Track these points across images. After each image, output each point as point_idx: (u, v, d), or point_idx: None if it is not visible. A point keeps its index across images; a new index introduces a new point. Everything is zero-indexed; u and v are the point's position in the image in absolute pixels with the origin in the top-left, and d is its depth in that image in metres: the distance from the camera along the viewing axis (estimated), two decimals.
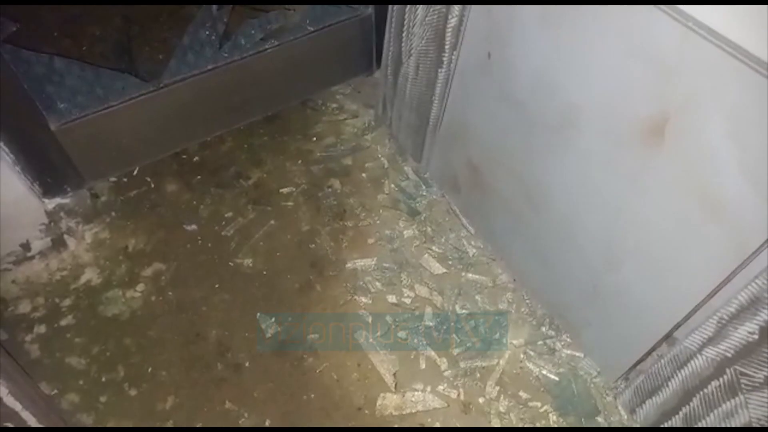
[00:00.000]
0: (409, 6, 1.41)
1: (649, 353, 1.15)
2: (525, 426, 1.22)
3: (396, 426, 1.22)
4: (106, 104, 1.35)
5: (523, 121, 1.21)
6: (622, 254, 1.11)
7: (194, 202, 1.58)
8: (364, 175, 1.67)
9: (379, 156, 1.71)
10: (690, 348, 1.02)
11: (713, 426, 1.03)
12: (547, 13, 1.05)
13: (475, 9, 1.22)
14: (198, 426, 1.21)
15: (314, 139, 1.75)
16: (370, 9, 1.61)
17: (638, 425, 1.22)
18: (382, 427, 1.21)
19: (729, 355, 0.95)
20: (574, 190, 1.17)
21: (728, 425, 0.99)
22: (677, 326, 1.05)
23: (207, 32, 1.45)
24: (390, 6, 1.48)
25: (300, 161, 1.69)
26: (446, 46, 1.33)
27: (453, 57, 1.34)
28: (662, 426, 1.15)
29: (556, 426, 1.23)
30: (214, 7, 1.46)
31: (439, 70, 1.40)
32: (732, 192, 0.86)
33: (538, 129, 1.18)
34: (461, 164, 1.49)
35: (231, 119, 1.66)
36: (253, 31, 1.48)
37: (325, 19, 1.59)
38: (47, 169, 1.35)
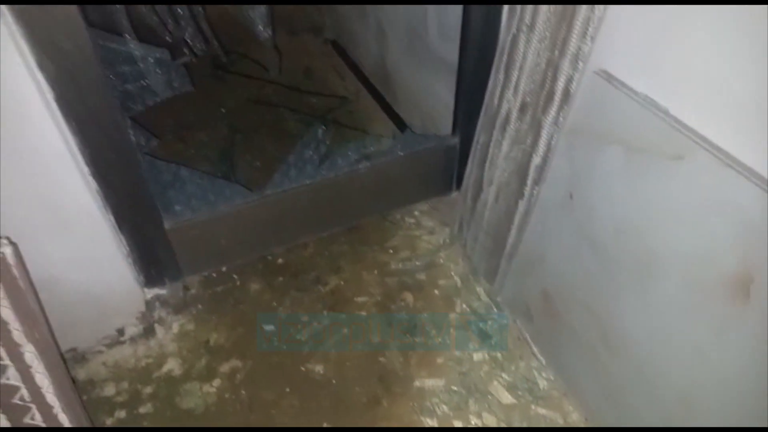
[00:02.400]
0: (494, 141, 1.53)
1: None
2: None
3: None
4: (215, 209, 1.50)
5: (602, 262, 1.24)
6: (700, 405, 1.07)
7: (274, 303, 1.67)
8: (436, 291, 1.71)
9: (453, 274, 1.76)
10: None
11: None
12: (630, 162, 1.11)
13: (558, 152, 1.30)
14: None
15: (391, 251, 1.84)
16: (456, 139, 1.75)
17: None
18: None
19: None
20: (652, 335, 1.16)
21: None
22: None
23: (311, 152, 1.62)
24: (475, 139, 1.61)
25: (376, 272, 1.77)
26: (528, 181, 1.41)
27: (534, 192, 1.41)
28: None
29: None
30: (320, 131, 1.64)
31: (519, 202, 1.47)
32: None
33: (617, 271, 1.21)
34: (535, 293, 1.51)
35: (318, 228, 1.79)
36: (350, 153, 1.63)
37: (414, 145, 1.73)
38: (153, 263, 1.49)
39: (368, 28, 2.39)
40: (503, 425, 1.38)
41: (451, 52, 1.65)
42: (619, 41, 1.10)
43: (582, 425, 1.39)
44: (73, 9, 1.00)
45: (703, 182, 0.97)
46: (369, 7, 2.25)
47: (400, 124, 2.26)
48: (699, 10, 0.92)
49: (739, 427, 1.00)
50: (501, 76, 1.44)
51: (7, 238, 0.99)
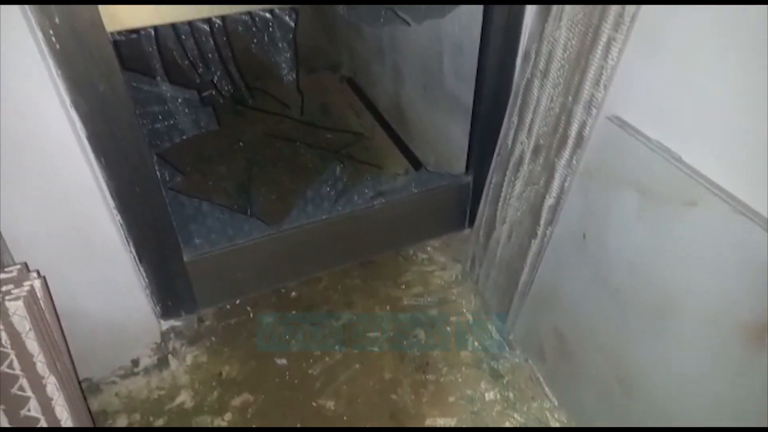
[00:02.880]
0: (507, 181, 1.56)
1: None
2: None
3: None
4: (233, 242, 1.53)
5: (617, 303, 1.25)
6: None
7: (287, 337, 1.68)
8: (448, 328, 1.72)
9: (465, 311, 1.77)
10: None
11: None
12: (644, 206, 1.13)
13: (572, 193, 1.33)
14: None
15: (403, 286, 1.85)
16: (469, 177, 1.78)
17: None
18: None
19: None
20: (669, 378, 1.16)
21: None
22: None
23: (328, 188, 1.65)
24: (488, 178, 1.64)
25: (388, 307, 1.78)
26: (541, 221, 1.43)
27: (547, 231, 1.43)
28: None
29: None
30: (338, 168, 1.68)
31: (533, 241, 1.49)
32: None
33: (632, 313, 1.21)
34: (548, 333, 1.51)
35: (332, 262, 1.81)
36: (366, 190, 1.67)
37: (428, 183, 1.77)
38: (171, 294, 1.52)
39: (385, 67, 2.46)
40: None
41: (465, 93, 1.70)
42: (632, 89, 1.14)
43: None
44: (110, 53, 1.06)
45: (716, 229, 0.98)
46: (386, 48, 2.32)
47: (414, 162, 2.30)
48: (711, 62, 0.96)
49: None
50: (515, 119, 1.48)
51: (37, 271, 1.02)
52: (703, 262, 1.02)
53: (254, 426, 1.45)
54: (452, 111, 1.90)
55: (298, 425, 1.45)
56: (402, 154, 2.38)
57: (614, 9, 1.10)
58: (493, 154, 1.60)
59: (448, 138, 1.97)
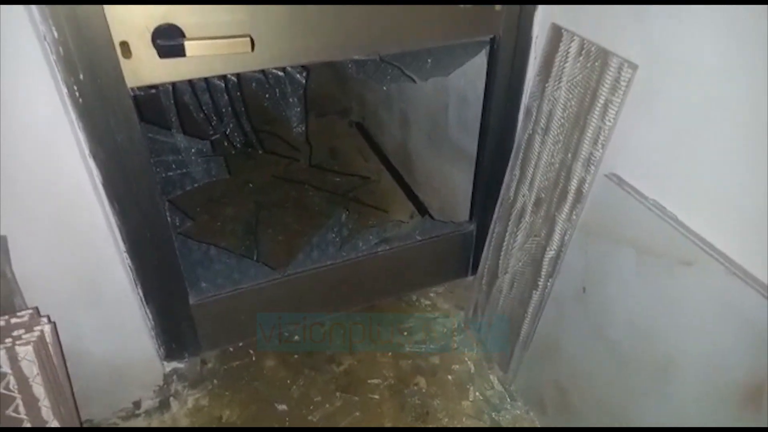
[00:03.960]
0: (509, 231, 1.58)
1: None
2: None
3: None
4: (239, 286, 1.56)
5: (617, 359, 1.25)
6: None
7: (288, 381, 1.68)
8: (450, 377, 1.71)
9: (467, 360, 1.77)
10: None
11: None
12: (641, 263, 1.15)
13: (572, 247, 1.35)
14: None
15: (405, 333, 1.86)
16: (472, 225, 1.81)
17: None
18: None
19: None
20: None
21: None
22: None
23: (333, 235, 1.69)
24: (491, 227, 1.67)
25: (390, 353, 1.78)
26: (542, 273, 1.45)
27: (548, 283, 1.45)
28: None
29: None
30: (343, 215, 1.71)
31: (534, 292, 1.50)
32: None
33: (631, 369, 1.21)
34: (549, 385, 1.50)
35: (335, 306, 1.82)
36: (370, 237, 1.70)
37: (432, 230, 1.80)
38: (176, 337, 1.54)
39: (392, 114, 2.53)
40: None
41: (470, 143, 1.75)
42: (629, 148, 1.17)
43: None
44: (130, 107, 1.11)
45: (711, 289, 1.00)
46: (394, 96, 2.39)
47: (420, 207, 2.34)
48: (704, 126, 0.99)
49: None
50: (517, 172, 1.52)
51: (47, 317, 1.05)
52: (700, 323, 1.03)
53: None
54: (456, 159, 1.94)
55: None
56: (408, 198, 2.43)
57: (611, 73, 1.15)
58: (495, 203, 1.63)
59: (452, 185, 2.01)
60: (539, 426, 1.55)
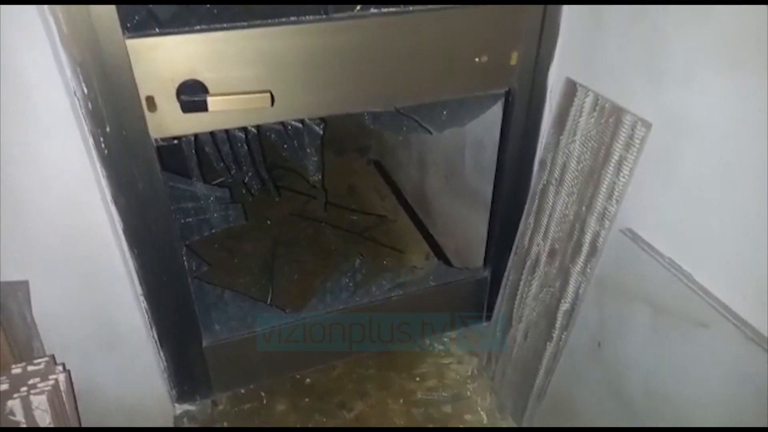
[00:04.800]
0: (523, 280, 1.57)
1: None
2: None
3: None
4: (252, 329, 1.57)
5: (631, 416, 1.22)
6: None
7: (298, 425, 1.67)
8: (462, 427, 1.68)
9: (479, 409, 1.73)
10: None
11: None
12: (657, 321, 1.13)
13: (587, 300, 1.33)
14: None
15: (418, 379, 1.83)
16: (487, 272, 1.80)
17: None
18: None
19: None
20: None
21: None
22: None
23: (347, 280, 1.70)
24: (505, 275, 1.66)
25: (402, 400, 1.76)
26: (557, 325, 1.43)
27: (563, 336, 1.43)
28: None
29: None
30: (357, 261, 1.72)
31: (548, 344, 1.48)
32: None
33: (646, 427, 1.18)
34: None
35: (348, 350, 1.82)
36: (384, 282, 1.70)
37: (447, 276, 1.79)
38: (188, 379, 1.55)
39: (410, 154, 2.56)
40: None
41: (485, 188, 1.75)
42: (645, 205, 1.17)
43: None
44: (153, 157, 1.15)
45: (728, 353, 0.97)
46: (412, 137, 2.42)
47: (435, 247, 2.34)
48: (719, 186, 0.99)
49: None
50: (531, 221, 1.52)
51: (62, 365, 1.07)
52: (717, 386, 1.01)
53: None
54: (472, 203, 1.95)
55: None
56: (424, 239, 2.43)
57: (625, 131, 1.16)
58: (510, 250, 1.63)
59: (468, 228, 2.01)
60: None
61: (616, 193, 1.20)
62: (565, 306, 1.40)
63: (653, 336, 1.14)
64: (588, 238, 1.29)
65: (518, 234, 1.58)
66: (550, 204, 1.43)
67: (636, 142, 1.14)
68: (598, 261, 1.28)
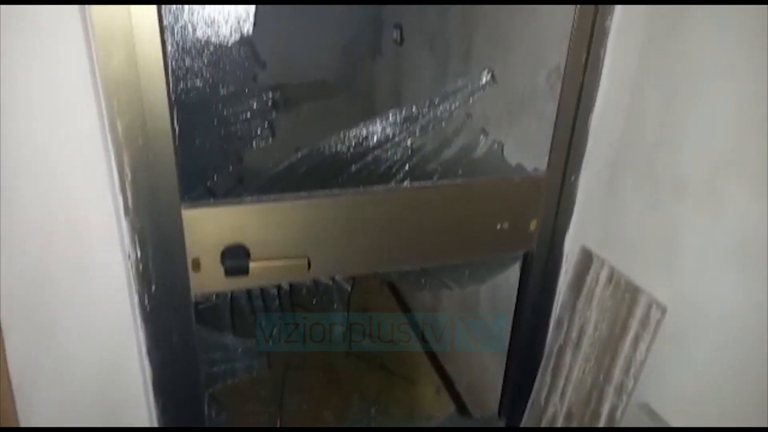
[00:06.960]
0: None
1: None
2: None
3: None
4: None
5: None
6: None
7: None
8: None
9: None
10: None
11: None
12: None
13: None
14: None
15: None
16: (502, 422, 1.78)
17: None
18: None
19: None
20: None
21: None
22: None
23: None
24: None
25: None
26: None
27: None
28: None
29: None
30: (372, 410, 1.72)
31: None
32: None
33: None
34: None
35: None
36: None
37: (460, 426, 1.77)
38: None
39: (424, 284, 2.61)
40: None
41: (503, 331, 1.77)
42: (663, 381, 1.19)
43: None
44: (190, 312, 1.21)
45: None
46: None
47: (446, 379, 2.32)
48: (743, 369, 1.02)
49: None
50: (548, 378, 1.53)
51: None
52: None
53: None
54: (488, 346, 1.96)
55: None
56: (434, 370, 2.42)
57: (641, 310, 1.22)
58: (525, 404, 1.63)
59: (482, 367, 2.01)
60: None
61: (633, 369, 1.23)
62: None
63: None
64: (606, 409, 1.30)
65: (534, 389, 1.59)
66: (567, 365, 1.45)
67: (652, 323, 1.19)
68: None
